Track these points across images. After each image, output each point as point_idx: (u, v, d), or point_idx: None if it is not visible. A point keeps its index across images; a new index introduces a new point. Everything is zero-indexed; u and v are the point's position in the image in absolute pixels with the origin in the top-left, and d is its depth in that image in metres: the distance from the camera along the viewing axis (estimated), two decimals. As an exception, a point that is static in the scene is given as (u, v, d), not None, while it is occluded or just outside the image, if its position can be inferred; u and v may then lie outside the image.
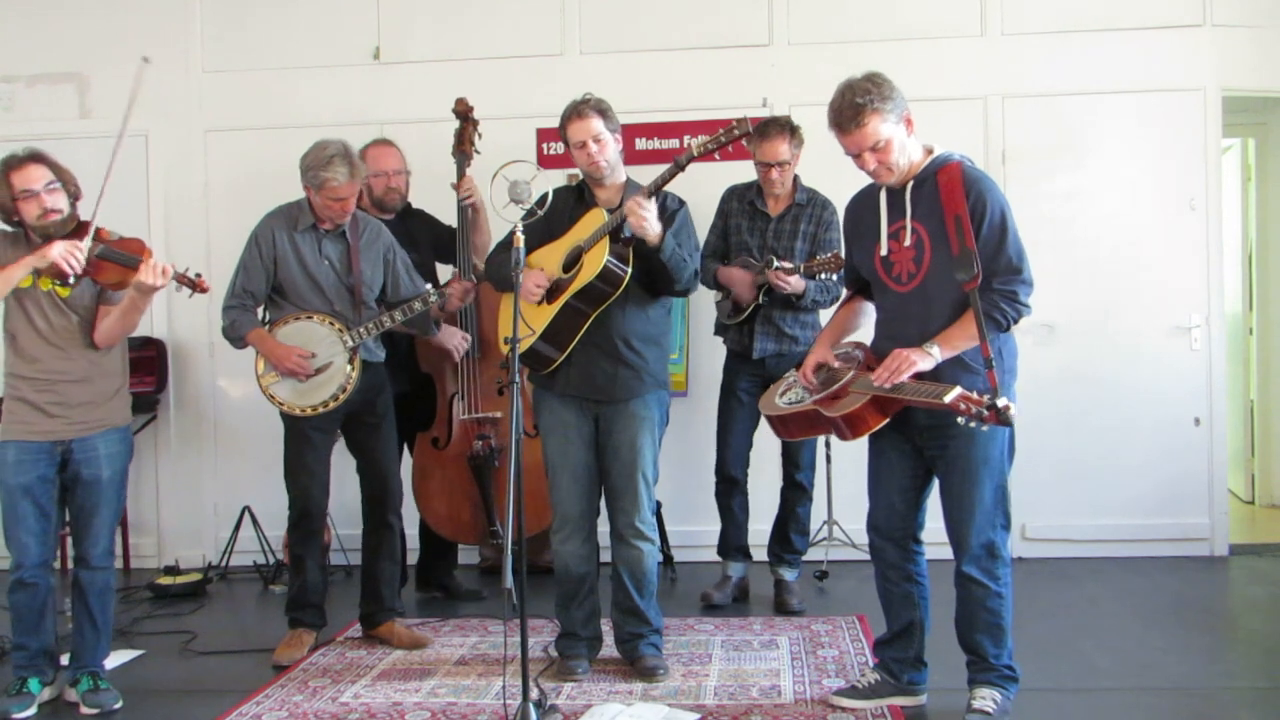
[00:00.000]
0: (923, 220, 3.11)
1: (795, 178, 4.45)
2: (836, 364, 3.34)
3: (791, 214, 4.43)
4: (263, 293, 4.00)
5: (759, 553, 4.68)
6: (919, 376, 3.00)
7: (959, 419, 2.85)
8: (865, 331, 3.40)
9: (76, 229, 3.50)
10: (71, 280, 3.44)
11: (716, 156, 3.47)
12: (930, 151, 3.17)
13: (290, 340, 3.91)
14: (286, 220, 4.00)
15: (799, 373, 3.40)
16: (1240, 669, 3.80)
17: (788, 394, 3.44)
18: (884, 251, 3.18)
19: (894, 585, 3.36)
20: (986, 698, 3.15)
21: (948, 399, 2.84)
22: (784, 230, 4.41)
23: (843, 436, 3.21)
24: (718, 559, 4.68)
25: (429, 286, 3.98)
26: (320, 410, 3.91)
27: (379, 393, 4.11)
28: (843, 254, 4.02)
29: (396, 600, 4.23)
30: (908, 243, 3.13)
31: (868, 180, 3.29)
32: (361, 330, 3.90)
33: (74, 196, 3.56)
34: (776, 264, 4.20)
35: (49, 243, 3.42)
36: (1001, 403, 2.79)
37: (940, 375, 3.02)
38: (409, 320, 3.99)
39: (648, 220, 3.41)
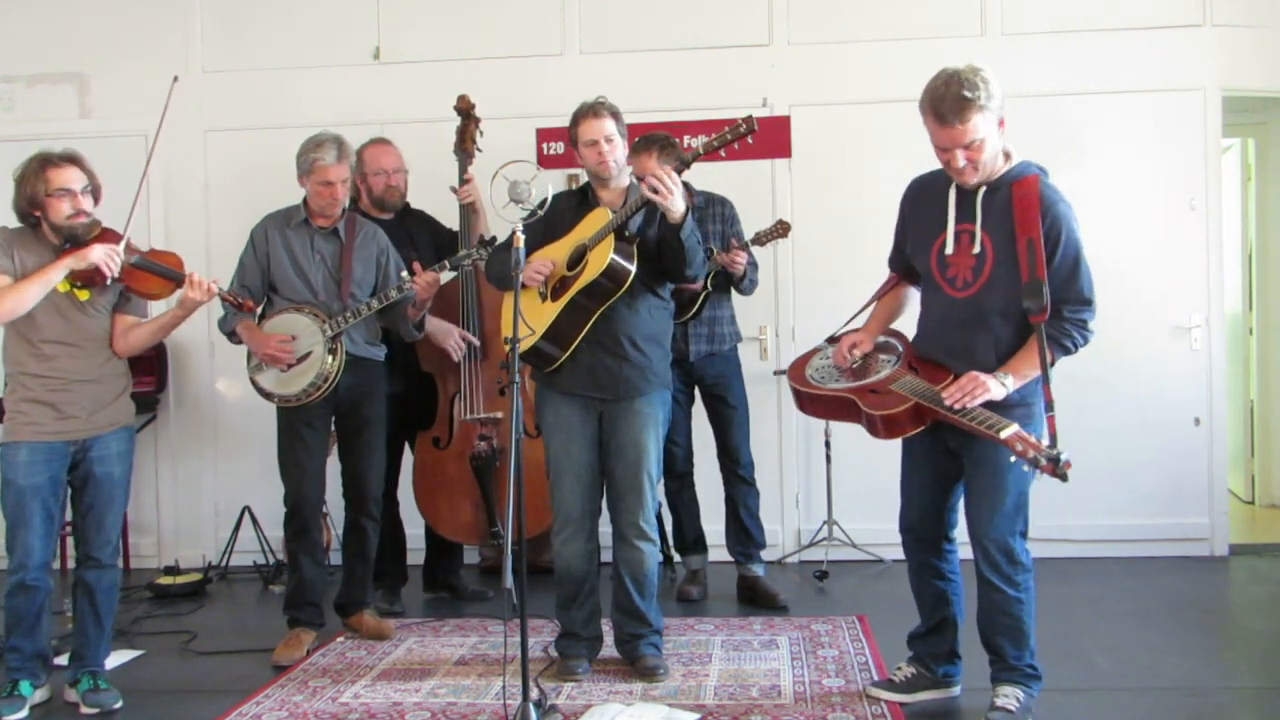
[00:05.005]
0: (991, 231, 3.03)
1: (686, 184, 4.52)
2: (874, 351, 3.29)
3: (695, 218, 4.50)
4: (260, 289, 4.11)
5: (715, 552, 4.79)
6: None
7: (1012, 458, 2.80)
8: (907, 318, 3.36)
9: (100, 234, 3.55)
10: (108, 283, 3.49)
11: (723, 154, 3.49)
12: (1009, 157, 3.09)
13: (275, 331, 4.01)
14: (281, 219, 4.17)
15: (835, 346, 3.35)
16: (1240, 669, 3.80)
17: (820, 374, 3.35)
18: (949, 250, 3.11)
19: (926, 583, 3.37)
20: (1009, 695, 3.15)
21: (1004, 434, 2.80)
22: None
23: (875, 434, 3.15)
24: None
25: (403, 274, 4.04)
26: (302, 399, 3.97)
27: (368, 394, 4.15)
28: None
29: (367, 594, 4.31)
30: (974, 249, 3.05)
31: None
32: (339, 320, 3.96)
33: (96, 201, 3.61)
34: (727, 248, 4.40)
35: (86, 244, 3.48)
36: (1064, 457, 2.72)
37: (995, 404, 2.97)
38: (386, 312, 4.09)
39: (675, 195, 3.42)
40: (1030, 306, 2.92)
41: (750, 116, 3.38)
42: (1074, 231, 3.00)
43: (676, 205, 3.44)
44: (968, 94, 2.87)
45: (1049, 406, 2.87)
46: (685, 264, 3.56)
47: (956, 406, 2.90)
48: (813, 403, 3.35)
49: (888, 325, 3.38)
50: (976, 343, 3.05)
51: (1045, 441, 2.83)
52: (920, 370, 3.14)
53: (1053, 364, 2.97)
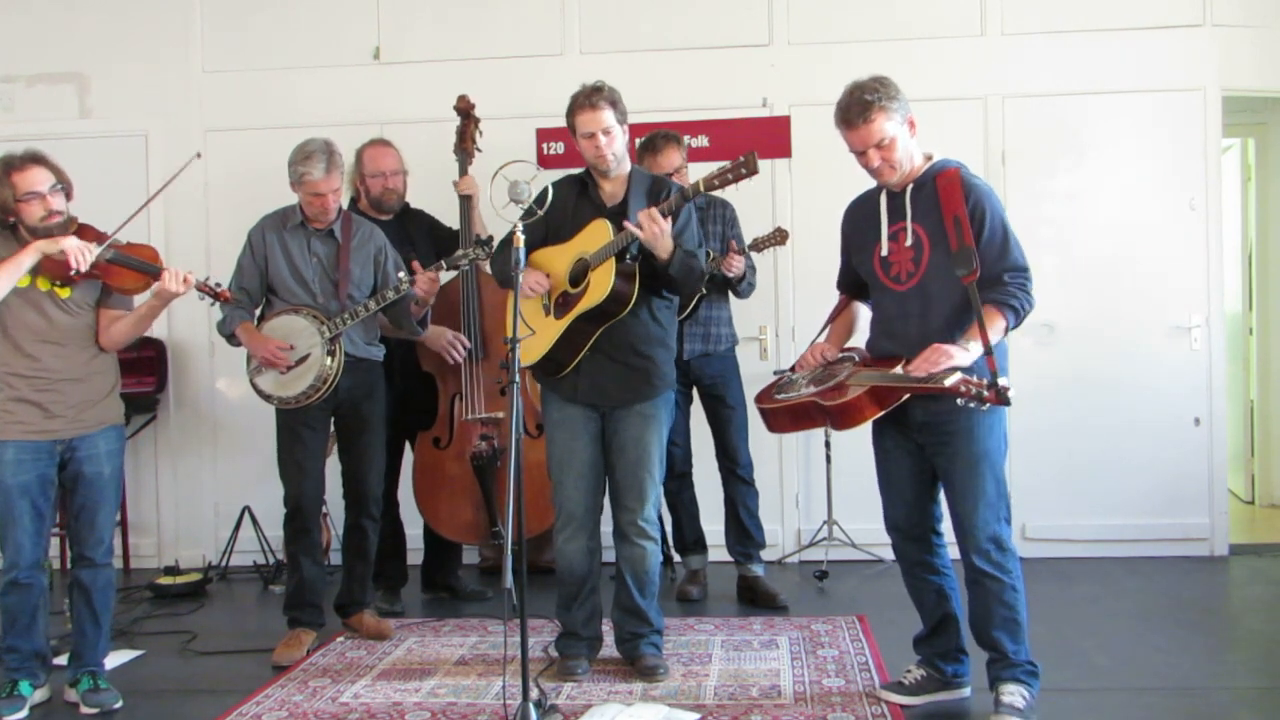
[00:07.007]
0: (922, 222, 3.19)
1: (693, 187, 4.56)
2: (837, 361, 3.38)
3: (697, 219, 4.53)
4: (258, 290, 4.12)
5: (716, 552, 4.79)
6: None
7: (959, 400, 2.90)
8: (861, 333, 3.45)
9: (78, 230, 3.52)
10: (74, 274, 3.45)
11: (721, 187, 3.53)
12: (929, 158, 3.26)
13: (274, 333, 4.02)
14: (278, 220, 4.16)
15: (803, 356, 3.46)
16: (1240, 669, 3.80)
17: (785, 392, 3.45)
18: (884, 252, 3.25)
19: (921, 581, 3.39)
20: (1015, 693, 3.16)
21: (949, 382, 2.91)
22: None
23: (836, 426, 3.25)
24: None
25: (401, 274, 4.04)
26: (302, 401, 3.97)
27: (368, 395, 4.15)
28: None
29: (367, 594, 4.32)
30: (908, 243, 3.20)
31: (863, 182, 3.33)
32: (338, 321, 3.96)
33: (68, 196, 3.58)
34: (726, 250, 4.45)
35: (61, 235, 3.45)
36: (1002, 382, 2.86)
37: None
38: (389, 311, 4.09)
39: (661, 239, 3.44)
40: (961, 271, 3.06)
41: (752, 156, 3.37)
42: (998, 209, 3.16)
43: (664, 245, 3.46)
44: (868, 97, 3.12)
45: (987, 350, 3.00)
46: (679, 288, 3.62)
47: (923, 375, 2.99)
48: (779, 417, 3.43)
49: (846, 339, 3.50)
50: (930, 328, 3.15)
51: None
52: (874, 366, 3.23)
53: (1010, 328, 3.11)
